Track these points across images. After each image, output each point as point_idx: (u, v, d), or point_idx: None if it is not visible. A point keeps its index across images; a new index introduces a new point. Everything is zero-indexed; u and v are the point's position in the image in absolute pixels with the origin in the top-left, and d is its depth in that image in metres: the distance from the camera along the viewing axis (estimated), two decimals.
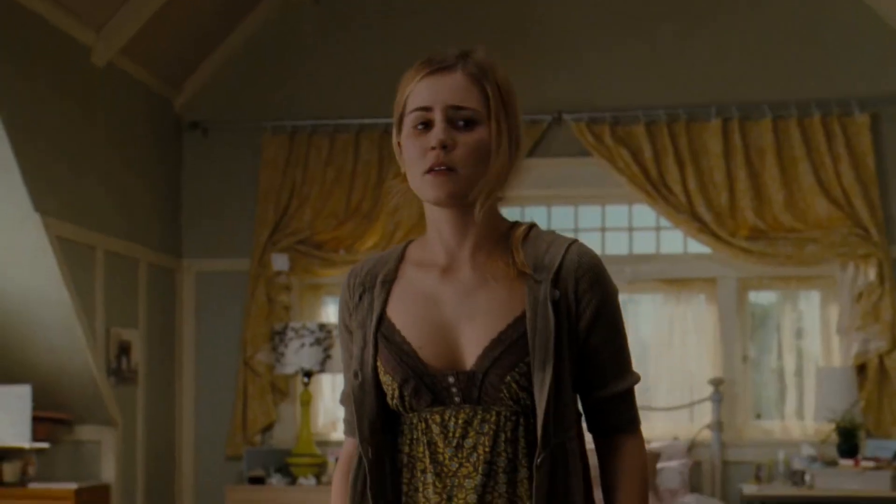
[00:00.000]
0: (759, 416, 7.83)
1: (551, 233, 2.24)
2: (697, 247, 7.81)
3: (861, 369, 7.38)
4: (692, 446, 7.61)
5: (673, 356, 7.81)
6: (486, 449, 2.08)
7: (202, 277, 8.35)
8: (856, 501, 6.94)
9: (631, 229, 8.04)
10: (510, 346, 2.08)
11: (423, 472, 2.12)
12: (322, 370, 7.66)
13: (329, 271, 8.08)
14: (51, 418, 6.96)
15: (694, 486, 7.51)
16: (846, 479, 6.93)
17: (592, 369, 2.16)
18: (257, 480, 7.69)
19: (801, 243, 7.51)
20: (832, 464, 7.18)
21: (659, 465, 7.24)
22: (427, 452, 2.12)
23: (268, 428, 8.12)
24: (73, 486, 6.71)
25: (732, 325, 7.74)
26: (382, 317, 2.18)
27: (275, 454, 7.88)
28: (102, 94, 7.31)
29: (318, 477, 7.70)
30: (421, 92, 2.12)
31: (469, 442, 2.08)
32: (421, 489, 2.12)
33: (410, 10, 8.16)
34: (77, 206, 6.96)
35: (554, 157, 7.84)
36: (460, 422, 2.09)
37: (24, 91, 6.41)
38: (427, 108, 2.11)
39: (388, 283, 2.20)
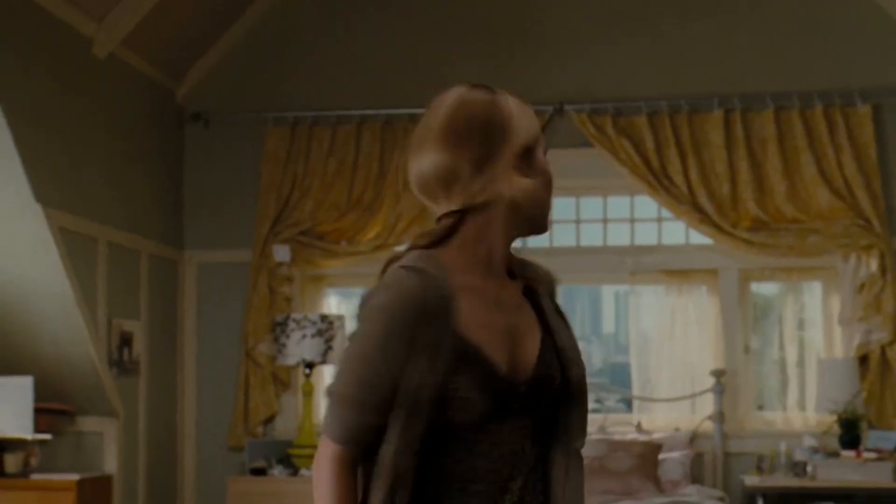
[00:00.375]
0: (760, 408, 7.83)
1: (514, 254, 2.37)
2: (699, 238, 7.81)
3: (863, 360, 7.38)
4: (694, 437, 7.61)
5: (674, 347, 7.80)
6: (528, 451, 2.22)
7: (204, 268, 8.35)
8: (858, 492, 6.94)
9: (633, 220, 8.04)
10: (548, 356, 2.27)
11: (472, 481, 2.17)
12: (324, 361, 7.66)
13: (331, 262, 8.08)
14: (53, 409, 6.96)
15: (695, 477, 7.51)
16: (848, 470, 6.93)
17: None
18: (259, 471, 7.69)
19: (802, 234, 7.51)
20: (834, 455, 7.19)
21: (660, 457, 7.25)
22: (482, 463, 2.18)
23: (269, 419, 8.12)
24: (75, 477, 6.72)
25: (734, 316, 7.74)
26: (456, 335, 2.17)
27: (276, 445, 7.89)
28: (104, 85, 7.30)
29: None
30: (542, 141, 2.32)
31: (512, 447, 2.20)
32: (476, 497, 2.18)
33: (412, 3, 8.15)
34: (78, 197, 6.96)
35: (556, 149, 7.74)
36: (508, 429, 2.19)
37: (25, 82, 6.41)
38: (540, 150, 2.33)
39: (451, 305, 2.18)
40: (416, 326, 2.12)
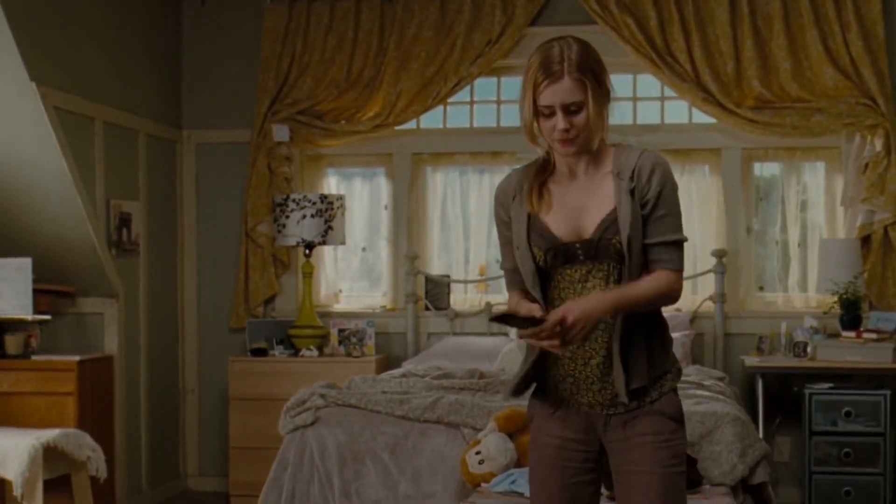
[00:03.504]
0: (761, 289, 7.82)
1: (630, 147, 3.35)
2: (702, 117, 7.73)
3: (865, 241, 7.35)
4: (694, 318, 7.62)
5: None
6: (602, 286, 3.23)
7: (202, 148, 8.30)
8: (857, 373, 6.96)
9: (635, 99, 7.95)
10: (612, 223, 3.23)
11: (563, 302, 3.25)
12: (323, 242, 7.64)
13: (330, 142, 8.02)
14: (52, 290, 6.97)
15: (696, 357, 7.53)
16: (848, 350, 6.94)
17: (649, 225, 3.25)
18: (260, 352, 7.72)
19: (807, 113, 7.43)
20: (834, 335, 7.19)
21: None
22: (564, 293, 3.28)
23: (270, 300, 8.13)
24: (76, 357, 6.76)
25: (736, 197, 7.69)
26: (530, 211, 3.33)
27: (277, 326, 7.91)
28: None
29: (320, 348, 7.73)
30: (545, 96, 3.18)
31: (590, 284, 3.25)
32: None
33: None
34: (74, 75, 6.86)
35: (558, 26, 7.71)
36: (583, 271, 3.26)
37: None
38: (550, 107, 3.19)
39: (531, 189, 3.34)
40: None
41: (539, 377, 3.37)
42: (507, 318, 3.13)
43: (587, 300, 3.14)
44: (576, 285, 3.27)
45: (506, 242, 3.41)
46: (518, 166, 3.53)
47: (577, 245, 3.26)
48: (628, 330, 3.24)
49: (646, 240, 3.25)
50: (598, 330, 3.23)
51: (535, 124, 3.28)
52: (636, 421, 3.27)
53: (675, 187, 3.29)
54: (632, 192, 3.22)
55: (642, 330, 3.27)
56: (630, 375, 3.23)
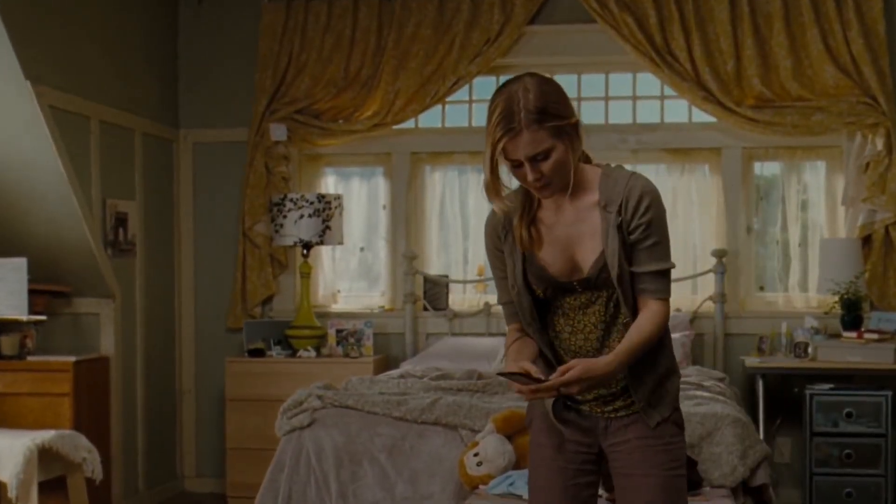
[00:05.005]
0: (762, 289, 7.78)
1: (618, 170, 3.24)
2: (702, 116, 7.69)
3: (866, 241, 7.32)
4: (694, 318, 7.58)
5: (676, 227, 7.69)
6: (601, 312, 3.24)
7: (200, 148, 8.26)
8: (858, 373, 6.92)
9: (635, 98, 7.91)
10: (606, 263, 3.17)
11: (562, 331, 3.30)
12: (321, 241, 7.60)
13: (328, 141, 7.98)
14: (48, 291, 6.94)
15: (696, 358, 7.50)
16: (849, 351, 6.90)
17: (638, 255, 3.19)
18: (257, 352, 7.68)
19: (807, 112, 7.39)
20: (835, 336, 7.16)
21: None
22: (566, 322, 3.29)
23: (267, 300, 8.10)
24: (71, 358, 6.72)
25: (737, 196, 7.65)
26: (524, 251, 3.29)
27: (274, 326, 7.87)
28: None
29: (317, 349, 7.69)
30: (509, 150, 3.08)
31: (590, 310, 3.25)
32: (567, 339, 3.29)
33: None
34: (70, 74, 6.82)
35: (557, 24, 7.68)
36: (583, 300, 3.26)
37: None
38: (516, 160, 3.10)
39: (520, 227, 3.27)
40: None
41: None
42: (513, 376, 3.10)
43: (596, 364, 3.07)
44: (576, 311, 3.28)
45: (501, 277, 3.36)
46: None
47: (575, 283, 3.24)
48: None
49: (634, 267, 3.20)
50: (602, 337, 3.26)
51: (493, 181, 3.16)
52: (636, 424, 3.26)
53: (663, 214, 3.22)
54: (619, 227, 3.16)
55: (648, 360, 3.27)
56: (639, 382, 3.25)
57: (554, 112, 3.09)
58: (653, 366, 3.26)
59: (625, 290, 3.20)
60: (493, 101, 3.12)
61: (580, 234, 3.22)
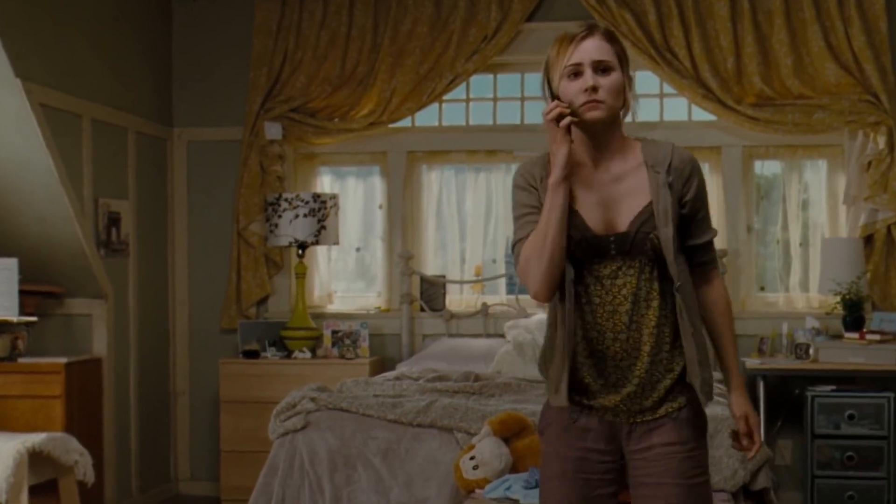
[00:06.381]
0: (762, 289, 7.71)
1: (656, 141, 3.27)
2: (702, 114, 7.63)
3: (868, 240, 7.26)
4: None
5: None
6: (633, 284, 3.14)
7: (194, 146, 8.20)
8: (860, 375, 6.85)
9: (634, 96, 7.81)
10: (649, 217, 3.13)
11: (588, 303, 3.19)
12: (316, 242, 7.53)
13: (323, 140, 7.91)
14: (39, 291, 6.87)
15: None
16: (851, 352, 6.83)
17: (692, 227, 3.24)
18: (252, 354, 7.61)
19: (808, 110, 7.33)
20: (837, 337, 7.10)
21: None
22: (595, 291, 3.18)
23: (262, 300, 8.03)
24: (63, 360, 6.65)
25: (737, 196, 7.58)
26: None
27: (269, 327, 7.80)
28: None
29: (313, 350, 7.62)
30: (574, 55, 3.10)
31: (619, 281, 3.15)
32: (590, 318, 3.19)
33: None
34: (61, 71, 6.75)
35: (555, 21, 7.62)
36: (613, 267, 3.16)
37: None
38: (578, 65, 3.10)
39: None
40: None
41: (560, 377, 3.21)
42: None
43: (742, 399, 3.32)
44: (604, 281, 3.16)
45: (528, 213, 3.23)
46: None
47: (611, 238, 3.15)
48: (691, 323, 3.19)
49: (691, 241, 3.23)
50: (630, 311, 3.17)
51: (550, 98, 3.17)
52: (662, 429, 3.20)
53: (705, 182, 3.29)
54: (669, 186, 3.15)
55: (696, 332, 3.22)
56: (691, 364, 3.18)
57: (620, 45, 3.20)
58: (703, 347, 3.24)
59: (668, 252, 3.12)
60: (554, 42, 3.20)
61: (620, 193, 3.18)
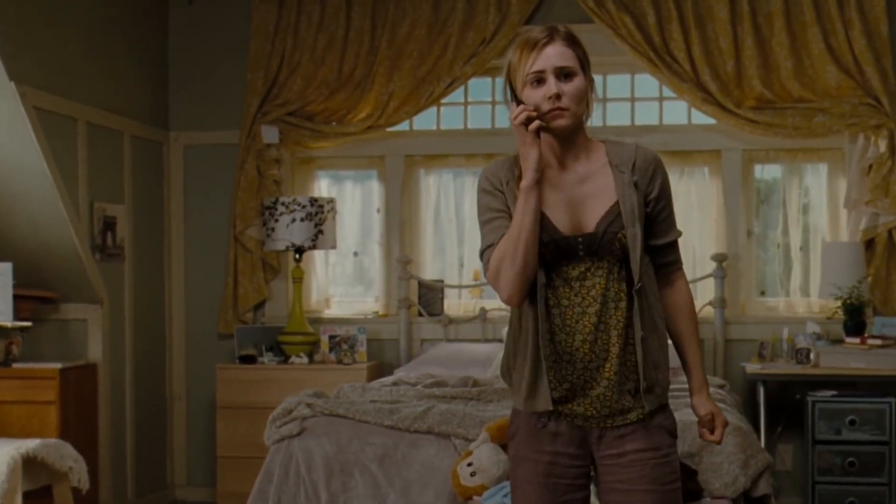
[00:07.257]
0: (763, 293, 7.67)
1: (618, 141, 3.28)
2: (702, 118, 7.59)
3: (869, 244, 7.22)
4: None
5: None
6: (601, 285, 3.13)
7: (190, 150, 8.16)
8: (862, 380, 6.82)
9: (633, 99, 7.82)
10: (616, 217, 3.13)
11: (556, 306, 3.16)
12: (314, 246, 7.50)
13: (320, 144, 7.88)
14: (34, 296, 6.85)
15: None
16: (852, 357, 6.79)
17: (656, 226, 3.23)
18: (248, 359, 7.57)
19: (809, 114, 7.29)
20: (838, 341, 7.07)
21: None
22: (563, 293, 3.16)
23: (259, 305, 7.99)
24: (58, 365, 6.63)
25: (737, 200, 7.54)
26: None
27: (266, 332, 7.76)
28: None
29: (310, 355, 7.58)
30: (537, 62, 3.10)
31: (588, 283, 3.14)
32: (559, 320, 3.16)
33: None
34: (56, 74, 6.72)
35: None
36: (582, 269, 3.15)
37: None
38: (541, 72, 3.11)
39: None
40: None
41: (536, 381, 3.18)
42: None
43: (706, 399, 3.33)
44: (573, 283, 3.15)
45: (495, 217, 3.23)
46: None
47: (579, 239, 3.14)
48: (644, 326, 3.17)
49: (654, 241, 3.24)
50: (599, 313, 3.15)
51: (513, 102, 3.20)
52: (633, 435, 3.17)
53: (669, 181, 3.29)
54: (635, 185, 3.16)
55: (655, 334, 3.22)
56: (647, 366, 3.16)
57: (582, 47, 3.20)
58: (663, 350, 3.24)
59: (634, 251, 3.13)
60: (516, 43, 3.22)
61: (586, 194, 3.18)
